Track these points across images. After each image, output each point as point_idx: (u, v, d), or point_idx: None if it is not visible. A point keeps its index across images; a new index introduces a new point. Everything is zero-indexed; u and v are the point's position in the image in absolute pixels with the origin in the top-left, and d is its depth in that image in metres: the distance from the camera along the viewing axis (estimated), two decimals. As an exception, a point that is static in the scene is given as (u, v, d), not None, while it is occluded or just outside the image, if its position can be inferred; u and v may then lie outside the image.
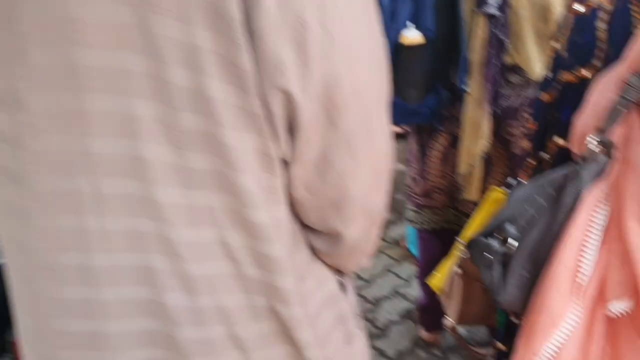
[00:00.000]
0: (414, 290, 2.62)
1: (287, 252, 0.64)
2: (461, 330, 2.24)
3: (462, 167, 1.79)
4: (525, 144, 1.30)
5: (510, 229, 0.85)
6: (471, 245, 0.93)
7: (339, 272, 0.82)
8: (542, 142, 1.17)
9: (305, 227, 0.71)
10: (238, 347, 0.66)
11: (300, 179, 0.62)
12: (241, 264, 0.62)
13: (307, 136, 0.58)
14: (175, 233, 0.59)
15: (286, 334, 0.67)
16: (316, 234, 0.71)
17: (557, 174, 0.81)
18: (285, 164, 0.61)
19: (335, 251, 0.72)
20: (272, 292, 0.64)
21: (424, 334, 2.29)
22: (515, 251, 0.84)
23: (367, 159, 0.64)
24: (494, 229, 0.88)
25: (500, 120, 1.69)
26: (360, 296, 2.61)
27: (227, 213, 0.60)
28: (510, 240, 0.85)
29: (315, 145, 0.60)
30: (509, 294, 0.86)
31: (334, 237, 0.70)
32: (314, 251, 0.74)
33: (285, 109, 0.56)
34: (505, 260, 0.86)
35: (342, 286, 0.81)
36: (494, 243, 0.87)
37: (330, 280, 0.77)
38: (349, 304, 0.82)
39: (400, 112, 1.71)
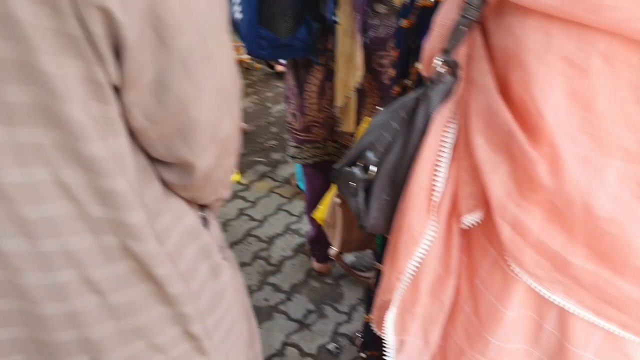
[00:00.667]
0: (306, 226, 2.67)
1: (133, 186, 0.61)
2: (350, 257, 2.32)
3: (339, 99, 1.80)
4: (392, 72, 1.32)
5: (370, 155, 0.86)
6: (335, 175, 0.94)
7: (201, 207, 0.80)
8: (405, 69, 1.19)
9: (154, 160, 0.68)
10: (93, 290, 0.63)
11: (138, 106, 0.59)
12: (83, 203, 0.58)
13: (136, 58, 0.54)
14: (2, 174, 0.54)
15: (144, 271, 0.65)
16: (167, 167, 0.68)
17: (409, 97, 0.82)
18: (119, 91, 0.57)
19: (189, 183, 0.70)
20: (122, 229, 0.61)
21: (315, 265, 2.36)
22: (375, 177, 0.86)
23: (209, 83, 0.61)
24: (356, 158, 0.89)
25: (370, 52, 1.70)
26: (254, 236, 2.63)
27: (58, 149, 0.55)
28: (370, 166, 0.86)
29: (148, 68, 0.56)
30: (372, 218, 0.89)
31: (185, 168, 0.68)
32: (169, 186, 0.71)
33: (106, 28, 0.51)
34: (368, 186, 0.88)
35: (205, 220, 0.80)
36: (357, 171, 0.88)
37: (189, 214, 0.75)
38: (212, 237, 0.81)
39: (271, 45, 1.68)
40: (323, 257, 2.30)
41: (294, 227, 2.71)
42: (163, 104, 0.59)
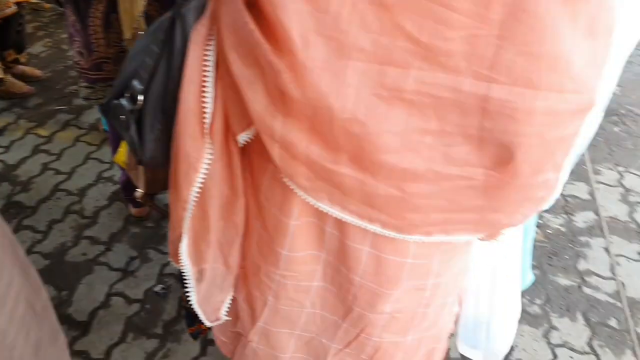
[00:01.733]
0: (118, 172, 2.53)
1: None
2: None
3: (127, 32, 1.67)
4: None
5: (136, 84, 0.81)
6: (105, 110, 0.87)
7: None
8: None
9: None
10: None
11: None
12: None
13: None
14: None
15: None
16: None
17: (165, 17, 0.77)
18: None
19: None
20: None
21: (133, 210, 2.26)
22: (143, 106, 0.81)
23: None
24: (122, 88, 0.83)
25: (150, -25, 1.59)
26: (62, 190, 2.43)
27: None
28: (138, 96, 0.81)
29: None
30: (149, 151, 0.84)
31: None
32: None
33: None
34: (139, 117, 0.83)
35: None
36: (124, 102, 0.82)
37: None
38: None
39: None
40: (139, 201, 2.20)
41: (106, 175, 2.55)
42: None
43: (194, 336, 1.46)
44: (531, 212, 0.76)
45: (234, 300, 1.05)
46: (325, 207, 0.74)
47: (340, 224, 0.80)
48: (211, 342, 1.77)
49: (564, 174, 0.73)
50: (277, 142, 0.70)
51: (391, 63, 0.62)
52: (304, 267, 0.88)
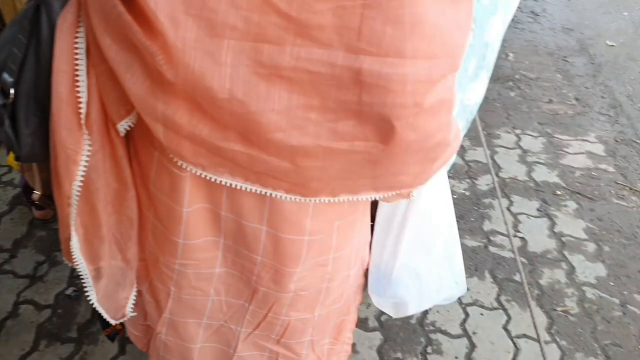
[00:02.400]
0: (18, 174, 2.40)
1: None
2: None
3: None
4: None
5: (6, 76, 0.77)
6: (-24, 106, 0.82)
7: None
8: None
9: None
10: None
11: None
12: None
13: None
14: None
15: None
16: None
17: (29, 5, 0.74)
18: None
19: None
20: None
21: (36, 213, 2.16)
22: (15, 99, 0.77)
23: None
24: (-9, 82, 0.79)
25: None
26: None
27: None
28: (10, 89, 0.77)
29: None
30: (26, 146, 0.81)
31: None
32: None
33: None
34: (12, 111, 0.79)
35: None
36: (-5, 97, 0.78)
37: None
38: None
39: None
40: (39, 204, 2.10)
41: (5, 179, 2.41)
42: None
43: (111, 338, 1.42)
44: (433, 172, 0.78)
45: (139, 293, 1.04)
46: (227, 180, 0.74)
47: (235, 207, 0.80)
48: (129, 340, 1.73)
49: (457, 131, 0.76)
50: (160, 123, 0.69)
51: (265, 40, 0.62)
52: (203, 254, 0.88)
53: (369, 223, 0.99)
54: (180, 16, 0.60)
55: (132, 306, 1.01)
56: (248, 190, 0.76)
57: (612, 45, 3.98)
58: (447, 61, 0.65)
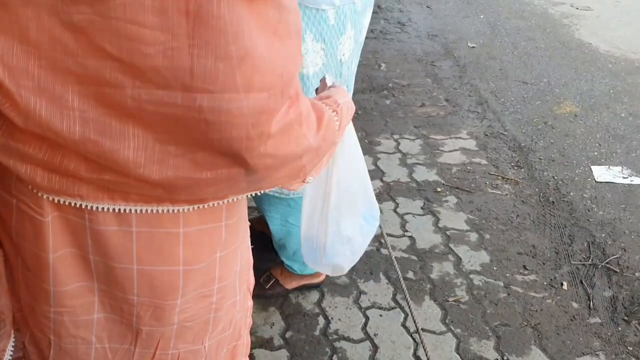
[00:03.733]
0: None
1: None
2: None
3: None
4: None
5: None
6: None
7: None
8: None
9: None
10: None
11: None
12: None
13: None
14: None
15: None
16: None
17: None
18: None
19: None
20: None
21: None
22: None
23: None
24: None
25: None
26: None
27: None
28: None
29: None
30: None
31: None
32: None
33: None
34: None
35: None
36: None
37: None
38: None
39: None
40: None
41: None
42: None
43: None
44: (301, 184, 0.85)
45: (23, 344, 0.99)
46: (109, 205, 0.74)
47: (101, 248, 0.79)
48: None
49: (317, 151, 0.79)
50: (28, 163, 0.69)
51: (106, 84, 0.63)
52: (78, 301, 0.85)
53: (250, 246, 1.01)
54: (27, 67, 0.60)
55: (11, 358, 0.96)
56: (135, 211, 0.76)
57: (474, 47, 4.30)
58: (281, 90, 0.68)
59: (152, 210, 0.77)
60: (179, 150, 0.68)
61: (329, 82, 1.04)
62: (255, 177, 0.74)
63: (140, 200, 0.75)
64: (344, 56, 1.50)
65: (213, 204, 0.80)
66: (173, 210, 0.78)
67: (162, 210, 0.77)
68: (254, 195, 0.82)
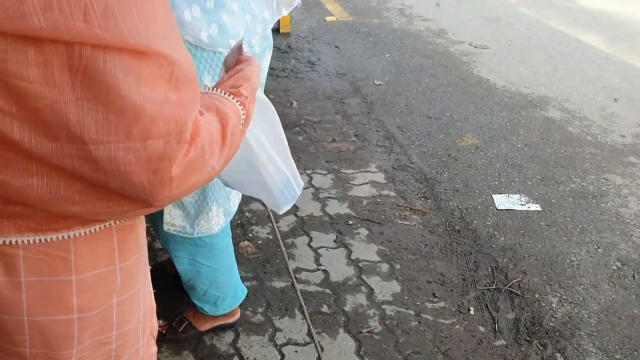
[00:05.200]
0: None
1: None
2: None
3: None
4: None
5: None
6: None
7: None
8: None
9: None
10: None
11: None
12: None
13: None
14: None
15: None
16: None
17: None
18: None
19: None
20: None
21: None
22: None
23: None
24: None
25: None
26: None
27: None
28: None
29: None
30: None
31: None
32: None
33: None
34: None
35: None
36: None
37: None
38: None
39: None
40: None
41: None
42: None
43: None
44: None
45: None
46: (17, 239, 0.74)
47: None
48: None
49: (224, 165, 0.81)
50: None
51: (6, 137, 0.62)
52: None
53: (152, 291, 0.99)
54: None
55: None
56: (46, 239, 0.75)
57: (380, 84, 4.48)
58: (176, 137, 0.69)
59: (39, 240, 0.75)
60: (84, 186, 0.68)
61: (245, 48, 1.05)
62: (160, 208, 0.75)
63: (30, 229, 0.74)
64: (264, 65, 1.55)
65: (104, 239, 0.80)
66: (63, 237, 0.77)
67: (52, 239, 0.76)
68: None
